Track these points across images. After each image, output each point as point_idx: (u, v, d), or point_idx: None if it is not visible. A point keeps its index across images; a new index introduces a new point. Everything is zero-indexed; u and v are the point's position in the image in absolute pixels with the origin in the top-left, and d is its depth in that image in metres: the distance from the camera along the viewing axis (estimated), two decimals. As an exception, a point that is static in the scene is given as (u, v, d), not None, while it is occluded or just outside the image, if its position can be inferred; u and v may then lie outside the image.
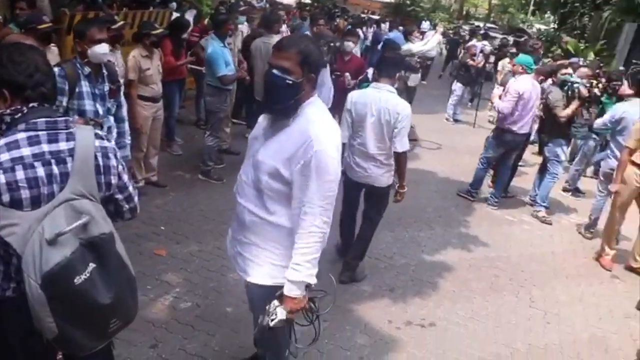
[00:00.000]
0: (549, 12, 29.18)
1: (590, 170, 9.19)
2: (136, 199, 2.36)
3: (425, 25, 28.62)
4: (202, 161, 6.67)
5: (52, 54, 5.34)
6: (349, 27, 11.50)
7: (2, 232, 1.88)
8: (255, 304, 2.85)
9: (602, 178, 6.64)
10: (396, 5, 37.91)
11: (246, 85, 7.41)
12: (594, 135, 7.80)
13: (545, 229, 6.91)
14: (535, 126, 8.01)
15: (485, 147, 7.38)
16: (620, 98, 6.95)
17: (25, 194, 1.91)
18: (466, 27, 27.97)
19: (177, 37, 6.98)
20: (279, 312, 2.48)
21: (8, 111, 1.97)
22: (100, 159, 2.10)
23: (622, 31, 17.96)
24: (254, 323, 2.84)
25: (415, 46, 8.62)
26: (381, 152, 4.52)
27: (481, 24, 30.94)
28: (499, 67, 12.25)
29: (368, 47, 14.21)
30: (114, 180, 2.18)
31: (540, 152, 8.22)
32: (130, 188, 2.31)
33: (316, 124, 2.44)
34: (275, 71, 2.40)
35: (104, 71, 4.22)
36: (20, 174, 1.90)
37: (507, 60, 11.70)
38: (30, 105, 1.98)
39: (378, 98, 4.41)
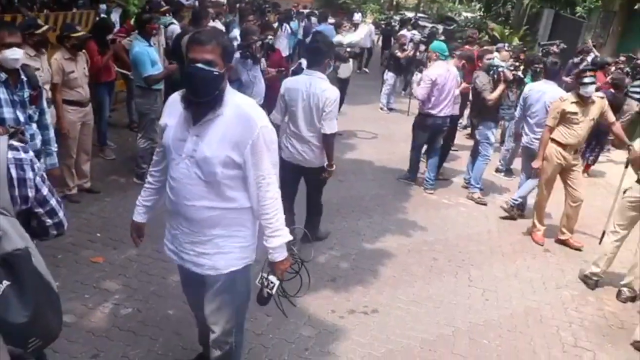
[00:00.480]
0: (475, 0, 30.02)
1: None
2: (61, 213, 2.23)
3: (357, 17, 28.88)
4: (136, 164, 6.54)
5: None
6: (277, 21, 11.52)
7: None
8: (221, 294, 2.86)
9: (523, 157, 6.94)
10: (328, -3, 38.05)
11: (172, 82, 7.26)
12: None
13: (481, 210, 7.12)
14: (467, 111, 8.23)
15: (412, 132, 7.60)
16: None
17: None
18: (397, 18, 28.35)
19: (102, 38, 6.79)
20: (273, 280, 2.75)
21: None
22: (13, 171, 2.00)
23: (542, 17, 18.71)
24: (210, 319, 2.94)
25: (345, 38, 8.72)
26: (313, 135, 4.83)
27: (411, 14, 31.38)
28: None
29: (300, 40, 14.20)
30: (30, 193, 2.07)
31: (472, 136, 8.48)
32: (53, 201, 2.18)
33: (247, 105, 2.62)
34: (200, 65, 2.45)
35: (23, 77, 4.06)
36: None
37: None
38: None
39: (309, 83, 4.73)
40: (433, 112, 7.11)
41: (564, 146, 5.98)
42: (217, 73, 2.47)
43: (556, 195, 6.32)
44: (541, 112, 6.52)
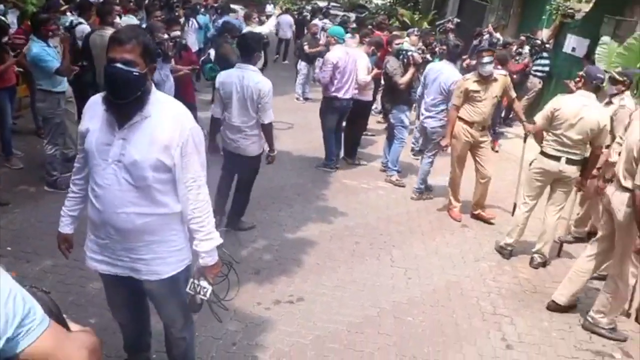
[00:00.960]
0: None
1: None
2: None
3: (270, 8, 28.79)
4: (46, 172, 6.22)
5: None
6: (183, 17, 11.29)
7: None
8: (169, 297, 2.84)
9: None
10: (239, -10, 37.72)
11: (84, 83, 6.98)
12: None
13: (399, 192, 7.27)
14: (379, 96, 8.36)
15: (320, 118, 7.73)
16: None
17: None
18: (309, 7, 28.42)
19: (-4, 42, 6.40)
20: (205, 285, 2.70)
21: None
22: None
23: (449, 2, 19.28)
24: (171, 317, 2.95)
25: (254, 30, 8.67)
26: (246, 125, 5.08)
27: (323, 3, 31.52)
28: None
29: (214, 35, 13.97)
30: None
31: (385, 120, 8.63)
32: None
33: (174, 105, 2.58)
34: (119, 65, 2.36)
35: None
36: None
37: (348, 35, 12.07)
38: None
39: (242, 77, 4.97)
40: (338, 94, 7.37)
41: (470, 124, 6.16)
42: (137, 73, 2.38)
43: (469, 172, 6.53)
44: (435, 92, 6.71)
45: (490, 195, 6.66)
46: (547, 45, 11.31)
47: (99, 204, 2.56)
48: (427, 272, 5.24)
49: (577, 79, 5.50)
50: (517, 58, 10.73)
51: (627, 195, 4.12)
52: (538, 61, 10.95)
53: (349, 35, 9.01)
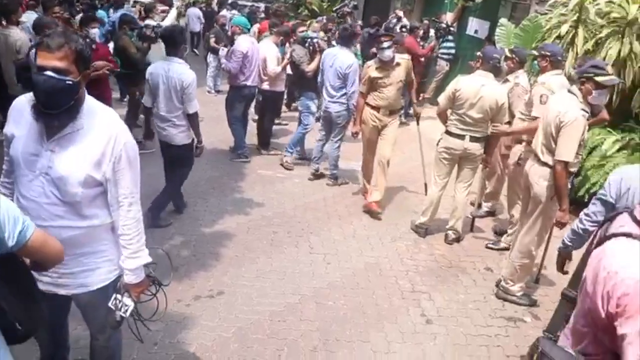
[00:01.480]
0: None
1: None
2: None
3: (178, 3, 27.94)
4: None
5: None
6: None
7: None
8: (98, 308, 2.70)
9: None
10: (142, -17, 36.59)
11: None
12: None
13: (316, 180, 7.29)
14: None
15: (227, 108, 7.70)
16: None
17: None
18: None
19: None
20: (128, 302, 2.60)
21: None
22: None
23: (356, -13, 19.50)
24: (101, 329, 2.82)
25: (153, 22, 8.46)
26: (173, 115, 5.28)
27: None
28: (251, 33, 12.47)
29: (109, 29, 13.44)
30: None
31: (289, 107, 8.71)
32: None
33: (109, 117, 2.43)
34: (50, 73, 2.18)
35: None
36: None
37: (257, 26, 11.96)
38: None
39: (167, 68, 5.20)
40: (248, 83, 7.42)
41: (376, 109, 6.20)
42: (70, 82, 2.21)
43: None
44: (333, 77, 6.71)
45: (405, 175, 6.83)
46: (452, 29, 11.64)
47: (32, 215, 2.36)
48: (346, 256, 5.31)
49: (476, 59, 5.69)
50: (422, 43, 11.01)
51: (545, 169, 4.35)
52: (444, 44, 11.28)
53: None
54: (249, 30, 7.80)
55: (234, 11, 16.18)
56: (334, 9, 14.87)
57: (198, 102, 5.40)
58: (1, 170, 2.61)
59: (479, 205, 6.42)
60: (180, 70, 5.19)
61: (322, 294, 4.62)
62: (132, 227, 2.51)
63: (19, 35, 5.94)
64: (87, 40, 6.18)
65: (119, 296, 2.61)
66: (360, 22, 14.22)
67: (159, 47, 8.19)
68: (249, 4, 23.87)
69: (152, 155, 6.55)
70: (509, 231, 5.60)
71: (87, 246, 2.49)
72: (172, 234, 5.42)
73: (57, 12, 7.35)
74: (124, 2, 13.21)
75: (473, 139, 5.39)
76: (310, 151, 7.59)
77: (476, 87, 5.23)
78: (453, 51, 11.35)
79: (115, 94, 9.11)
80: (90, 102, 2.40)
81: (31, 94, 2.29)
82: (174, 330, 3.96)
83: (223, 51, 8.03)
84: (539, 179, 4.38)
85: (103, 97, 5.74)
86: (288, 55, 7.64)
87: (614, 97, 6.83)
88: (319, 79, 7.16)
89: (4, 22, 6.10)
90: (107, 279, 2.63)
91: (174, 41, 5.31)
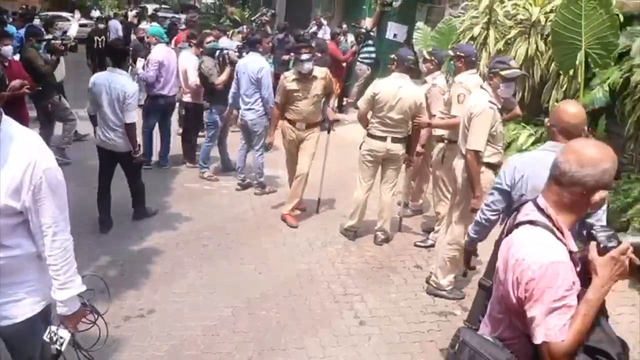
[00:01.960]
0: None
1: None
2: None
3: (96, 13, 27.37)
4: None
5: None
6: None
7: None
8: (25, 341, 2.52)
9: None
10: (57, -4, 35.52)
11: None
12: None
13: (243, 190, 7.23)
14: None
15: (144, 117, 7.60)
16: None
17: None
18: (135, 12, 27.49)
19: None
20: (63, 334, 2.44)
21: None
22: None
23: (277, -3, 19.66)
24: None
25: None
26: (117, 125, 5.48)
27: (154, 6, 30.59)
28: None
29: (17, 45, 12.94)
30: None
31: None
32: None
33: (28, 141, 2.24)
34: None
35: None
36: None
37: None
38: None
39: (110, 79, 5.43)
40: (164, 92, 7.41)
41: (292, 122, 6.09)
42: None
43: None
44: (247, 84, 6.65)
45: (332, 180, 6.89)
46: (372, 33, 11.89)
47: None
48: (277, 264, 5.31)
49: (391, 62, 5.81)
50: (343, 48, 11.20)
51: None
52: (365, 49, 11.48)
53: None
54: (164, 40, 7.76)
55: (154, 23, 15.91)
56: (253, 18, 14.93)
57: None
58: None
59: (406, 205, 6.57)
60: (123, 82, 5.44)
61: (254, 304, 4.60)
62: (58, 257, 2.33)
63: None
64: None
65: (53, 328, 2.45)
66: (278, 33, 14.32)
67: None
68: (170, 15, 23.59)
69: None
70: (436, 228, 5.74)
71: (10, 277, 2.33)
72: (99, 254, 5.26)
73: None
74: (34, 17, 12.75)
75: (395, 140, 5.51)
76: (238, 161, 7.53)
77: (394, 89, 5.36)
78: (374, 55, 11.57)
79: (32, 113, 8.77)
80: (6, 126, 2.22)
81: None
82: (104, 354, 3.83)
83: (140, 63, 7.89)
84: (463, 172, 4.55)
85: (20, 118, 5.52)
86: (189, 68, 7.46)
87: (526, 93, 7.20)
88: (231, 91, 6.96)
89: None
90: (33, 310, 2.46)
91: (118, 53, 5.61)
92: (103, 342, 2.82)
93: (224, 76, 7.19)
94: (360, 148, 5.73)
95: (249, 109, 6.74)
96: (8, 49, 6.41)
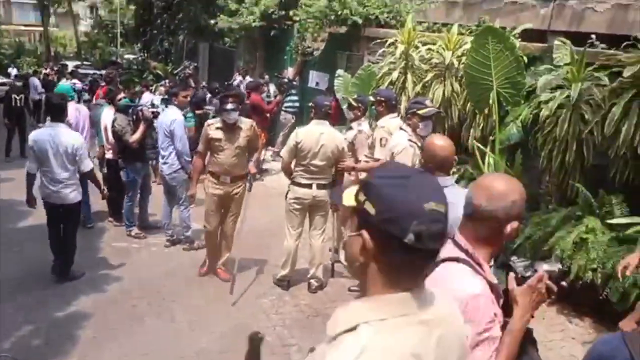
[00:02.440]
0: (134, 42, 30.15)
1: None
2: None
3: (14, 71, 26.71)
4: None
5: None
6: None
7: None
8: None
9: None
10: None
11: None
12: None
13: (173, 246, 7.07)
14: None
15: None
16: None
17: None
18: (55, 68, 26.99)
19: None
20: None
21: None
22: None
23: (199, 50, 19.75)
24: None
25: None
26: (65, 177, 5.60)
27: (74, 63, 30.12)
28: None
29: None
30: None
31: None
32: None
33: None
34: None
35: None
36: None
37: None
38: None
39: (54, 134, 5.52)
40: None
41: (215, 175, 5.82)
42: None
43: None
44: (162, 137, 6.64)
45: (262, 230, 6.86)
46: (294, 83, 12.12)
47: None
48: (211, 320, 5.19)
49: (310, 110, 5.91)
50: (268, 96, 11.36)
51: None
52: (288, 98, 11.66)
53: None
54: (72, 97, 7.70)
55: (75, 80, 15.66)
56: (175, 72, 14.96)
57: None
58: None
59: (337, 250, 6.59)
60: (68, 134, 5.64)
61: (189, 362, 4.46)
62: None
63: None
64: None
65: None
66: (204, 83, 14.39)
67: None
68: (91, 72, 23.28)
69: None
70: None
71: None
72: (20, 323, 4.99)
73: None
74: None
75: (320, 186, 5.57)
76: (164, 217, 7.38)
77: (316, 135, 5.45)
78: (297, 104, 11.75)
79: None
80: None
81: None
82: None
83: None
84: None
85: None
86: (109, 125, 7.21)
87: (445, 133, 7.46)
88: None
89: None
90: None
91: (56, 108, 5.71)
92: None
93: (138, 134, 6.92)
94: (286, 197, 5.74)
95: (165, 163, 6.68)
96: None
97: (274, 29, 13.04)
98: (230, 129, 5.74)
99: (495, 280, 2.04)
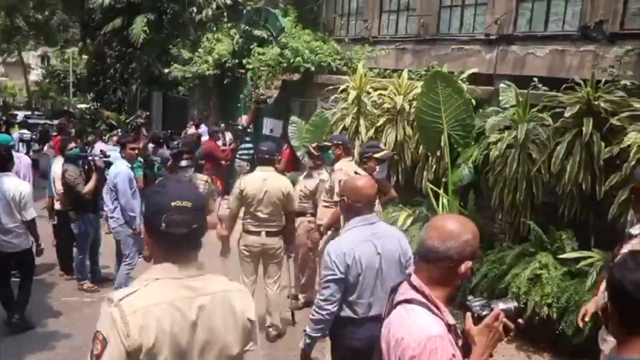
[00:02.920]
0: (87, 92, 29.84)
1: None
2: None
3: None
4: None
5: None
6: None
7: None
8: None
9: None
10: None
11: None
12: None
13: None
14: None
15: None
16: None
17: None
18: (4, 118, 26.46)
19: None
20: None
21: None
22: None
23: (153, 99, 19.72)
24: None
25: None
26: (14, 225, 5.56)
27: (25, 112, 29.54)
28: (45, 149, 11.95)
29: None
30: None
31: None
32: None
33: None
34: None
35: None
36: None
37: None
38: None
39: (2, 183, 5.47)
40: None
41: None
42: None
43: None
44: (107, 190, 6.50)
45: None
46: (249, 130, 12.18)
47: None
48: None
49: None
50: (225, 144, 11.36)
51: None
52: (243, 145, 11.68)
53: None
54: (12, 146, 7.51)
55: (24, 130, 15.40)
56: (127, 120, 14.85)
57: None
58: None
59: (296, 297, 6.52)
60: (15, 183, 5.62)
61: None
62: None
63: None
64: None
65: None
66: (157, 131, 14.33)
67: None
68: (42, 122, 22.85)
69: None
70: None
71: None
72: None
73: None
74: None
75: (269, 234, 5.52)
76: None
77: (259, 182, 5.45)
78: (252, 151, 11.75)
79: None
80: None
81: None
82: None
83: None
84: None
85: None
86: (59, 176, 6.97)
87: (399, 176, 7.58)
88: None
89: None
90: None
91: (3, 158, 5.66)
92: None
93: (90, 184, 6.70)
94: (238, 245, 5.68)
95: (111, 217, 6.51)
96: None
97: (228, 77, 13.15)
98: None
99: (452, 321, 2.05)
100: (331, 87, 9.06)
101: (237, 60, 12.52)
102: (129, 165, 6.58)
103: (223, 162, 10.69)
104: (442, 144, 6.83)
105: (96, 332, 1.92)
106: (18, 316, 5.81)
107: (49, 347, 5.50)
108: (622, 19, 7.76)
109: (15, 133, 13.96)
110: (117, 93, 23.49)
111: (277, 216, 5.54)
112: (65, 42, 34.58)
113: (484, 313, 2.04)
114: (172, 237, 1.93)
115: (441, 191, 6.89)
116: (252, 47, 11.65)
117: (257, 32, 12.09)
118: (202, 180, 5.80)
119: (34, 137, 15.61)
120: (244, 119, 12.69)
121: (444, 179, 7.01)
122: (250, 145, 11.79)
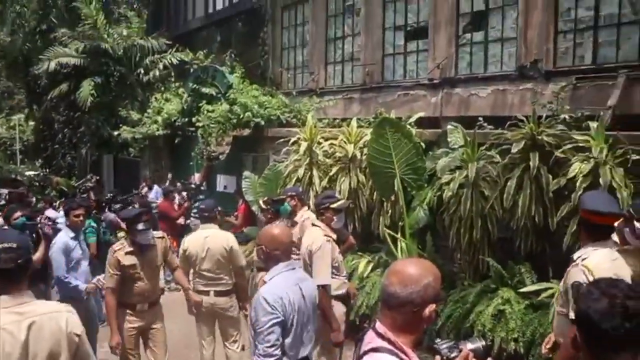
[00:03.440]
0: (34, 159, 29.23)
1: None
2: None
3: None
4: None
5: None
6: None
7: None
8: None
9: None
10: None
11: None
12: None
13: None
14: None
15: None
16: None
17: None
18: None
19: None
20: None
21: None
22: None
23: (103, 162, 19.43)
24: None
25: None
26: None
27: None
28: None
29: None
30: None
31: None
32: None
33: None
34: None
35: None
36: None
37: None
38: None
39: None
40: None
41: (132, 306, 5.04)
42: None
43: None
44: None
45: (180, 342, 6.51)
46: (202, 188, 12.08)
47: None
48: None
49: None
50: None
51: None
52: (196, 203, 11.52)
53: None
54: None
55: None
56: (76, 185, 14.55)
57: None
58: None
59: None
60: None
61: None
62: None
63: None
64: None
65: None
66: (110, 194, 14.03)
67: None
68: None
69: None
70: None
71: None
72: None
73: None
74: None
75: (218, 293, 5.34)
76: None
77: (200, 241, 5.36)
78: (207, 209, 11.62)
79: None
80: None
81: None
82: None
83: None
84: None
85: None
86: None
87: (356, 224, 7.59)
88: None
89: None
90: None
91: None
92: None
93: (38, 253, 6.00)
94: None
95: (52, 287, 6.21)
96: None
97: (178, 136, 13.10)
98: (145, 249, 5.07)
99: (420, 366, 2.02)
100: (282, 139, 9.10)
101: (186, 119, 12.52)
102: (73, 235, 6.03)
103: (177, 222, 10.51)
104: (395, 188, 6.90)
105: None
106: None
107: None
108: (554, 58, 8.15)
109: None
110: (67, 158, 23.08)
111: (224, 274, 5.35)
112: (10, 109, 33.96)
113: (452, 355, 2.02)
114: (2, 272, 2.47)
115: (399, 235, 6.92)
116: (201, 105, 11.66)
117: (205, 90, 12.15)
118: (158, 238, 5.44)
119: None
120: (196, 177, 12.61)
121: (400, 223, 7.04)
122: (204, 203, 11.66)
